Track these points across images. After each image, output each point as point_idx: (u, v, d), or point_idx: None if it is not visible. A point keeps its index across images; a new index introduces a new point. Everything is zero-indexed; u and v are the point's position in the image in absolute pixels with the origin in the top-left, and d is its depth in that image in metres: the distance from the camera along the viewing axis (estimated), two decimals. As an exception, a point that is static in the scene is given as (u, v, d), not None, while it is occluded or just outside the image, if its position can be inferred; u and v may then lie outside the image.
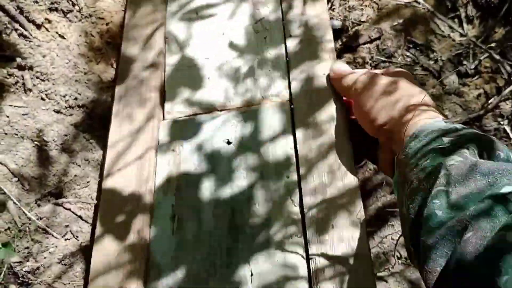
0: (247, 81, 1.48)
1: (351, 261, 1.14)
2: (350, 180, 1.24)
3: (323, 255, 1.16)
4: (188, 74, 1.51)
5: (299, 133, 1.34)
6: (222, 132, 1.38)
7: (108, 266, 1.22)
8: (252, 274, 1.18)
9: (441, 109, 1.52)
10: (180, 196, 1.30)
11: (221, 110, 1.43)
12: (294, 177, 1.30)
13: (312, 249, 1.18)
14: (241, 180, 1.30)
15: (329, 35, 1.45)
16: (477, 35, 1.63)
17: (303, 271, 1.17)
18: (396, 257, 1.35)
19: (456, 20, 1.68)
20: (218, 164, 1.33)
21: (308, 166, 1.29)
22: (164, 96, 1.49)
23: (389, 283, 1.38)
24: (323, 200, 1.23)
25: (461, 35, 1.63)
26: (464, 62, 1.61)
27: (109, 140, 1.40)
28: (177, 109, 1.45)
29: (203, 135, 1.39)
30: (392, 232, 1.39)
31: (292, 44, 1.49)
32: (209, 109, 1.44)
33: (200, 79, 1.49)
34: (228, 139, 1.37)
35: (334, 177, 1.26)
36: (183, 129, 1.40)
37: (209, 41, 1.56)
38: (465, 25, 1.67)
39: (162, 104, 1.48)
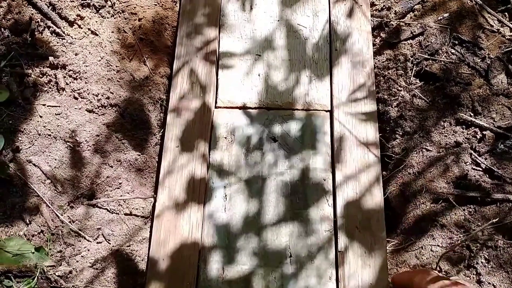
0: (294, 84, 1.52)
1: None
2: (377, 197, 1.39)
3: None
4: (241, 66, 1.56)
5: (337, 142, 1.44)
6: (270, 128, 1.47)
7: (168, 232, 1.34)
8: (291, 256, 1.32)
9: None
10: (231, 179, 1.41)
11: (269, 109, 1.50)
12: (330, 182, 1.41)
13: (341, 244, 1.32)
14: (286, 175, 1.41)
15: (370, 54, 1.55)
16: (529, 29, 1.52)
17: (331, 256, 1.32)
18: (437, 271, 1.29)
19: (506, 14, 1.56)
20: (266, 155, 1.44)
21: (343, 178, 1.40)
22: (217, 85, 1.54)
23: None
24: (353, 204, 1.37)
25: None
26: (515, 60, 1.50)
27: (167, 130, 1.47)
28: (229, 99, 1.52)
29: (255, 127, 1.47)
30: (432, 244, 1.33)
31: (335, 56, 1.54)
32: (259, 104, 1.51)
33: (252, 74, 1.54)
34: (275, 136, 1.45)
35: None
36: (237, 119, 1.49)
37: (263, 37, 1.59)
38: (516, 18, 1.55)
39: (215, 93, 1.53)
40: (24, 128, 1.40)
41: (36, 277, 1.24)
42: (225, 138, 1.45)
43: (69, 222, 1.34)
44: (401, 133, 1.50)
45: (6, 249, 1.22)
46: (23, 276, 1.24)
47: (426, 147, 1.45)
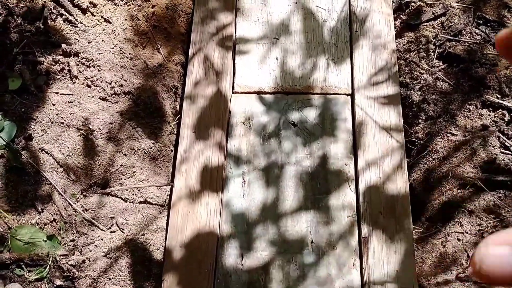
0: (313, 67, 1.47)
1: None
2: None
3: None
4: (258, 50, 1.52)
5: (358, 127, 1.39)
6: (288, 114, 1.42)
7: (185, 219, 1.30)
8: (312, 242, 1.27)
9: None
10: (249, 165, 1.37)
11: (288, 93, 1.46)
12: (352, 167, 1.35)
13: (364, 230, 1.27)
14: (305, 161, 1.36)
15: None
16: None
17: (354, 242, 1.27)
18: (468, 261, 1.23)
19: (533, -8, 1.50)
20: (284, 142, 1.39)
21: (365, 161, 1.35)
22: (234, 69, 1.50)
23: None
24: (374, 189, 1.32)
25: (539, 9, 1.45)
26: (543, 39, 1.42)
27: (182, 116, 1.43)
28: (246, 84, 1.47)
29: (272, 113, 1.43)
30: (459, 232, 1.26)
31: (355, 38, 1.49)
32: (276, 89, 1.46)
33: (269, 58, 1.50)
34: (294, 121, 1.40)
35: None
36: (253, 105, 1.45)
37: (280, 20, 1.54)
38: (543, -3, 1.48)
39: (232, 78, 1.49)
40: (37, 116, 1.37)
41: (48, 266, 1.20)
42: (243, 123, 1.40)
43: (82, 210, 1.30)
44: (424, 118, 1.44)
45: (17, 237, 1.18)
46: (35, 264, 1.21)
47: (451, 132, 1.38)
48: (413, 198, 1.38)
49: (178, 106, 1.54)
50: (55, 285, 1.19)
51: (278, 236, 1.26)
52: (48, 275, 1.20)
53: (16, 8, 1.46)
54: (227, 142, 1.39)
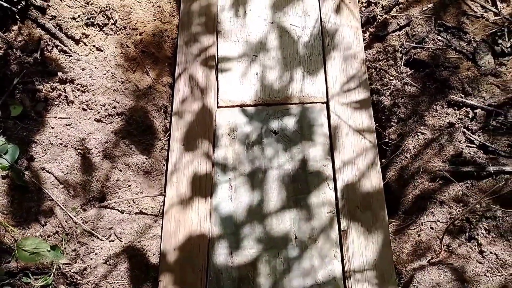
0: (290, 80, 1.61)
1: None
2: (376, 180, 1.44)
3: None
4: (238, 67, 1.65)
5: (334, 131, 1.51)
6: (269, 123, 1.55)
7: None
8: (296, 237, 1.38)
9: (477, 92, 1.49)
10: (235, 172, 1.49)
11: (268, 105, 1.59)
12: (330, 168, 1.48)
13: (343, 224, 1.37)
14: (287, 164, 1.48)
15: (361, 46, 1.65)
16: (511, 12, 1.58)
17: (334, 236, 1.38)
18: (441, 247, 1.32)
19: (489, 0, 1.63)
20: (266, 149, 1.52)
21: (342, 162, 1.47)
22: (218, 85, 1.64)
23: (430, 272, 1.35)
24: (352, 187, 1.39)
25: (495, 14, 1.58)
26: (499, 41, 1.56)
27: (172, 131, 1.57)
28: (229, 98, 1.61)
29: (254, 124, 1.56)
30: (432, 221, 1.36)
31: (328, 51, 1.63)
32: (258, 101, 1.59)
33: (249, 74, 1.63)
34: (275, 129, 1.53)
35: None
36: (237, 117, 1.58)
37: (258, 39, 1.68)
38: (498, 3, 1.61)
39: (216, 94, 1.63)
40: (37, 139, 1.48)
41: (52, 274, 1.30)
42: (228, 134, 1.52)
43: (82, 223, 1.41)
44: (396, 120, 1.55)
45: (23, 248, 1.28)
46: (40, 273, 1.31)
47: (421, 131, 1.49)
48: (390, 194, 1.48)
49: (168, 124, 1.65)
50: (59, 291, 1.29)
51: (264, 234, 1.36)
52: (53, 282, 1.30)
53: (15, 42, 1.59)
54: (214, 152, 1.51)
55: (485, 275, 1.25)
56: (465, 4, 1.63)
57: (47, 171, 1.45)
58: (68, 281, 1.32)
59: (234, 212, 1.40)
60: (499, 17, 1.59)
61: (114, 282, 1.35)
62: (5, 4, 1.58)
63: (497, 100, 1.46)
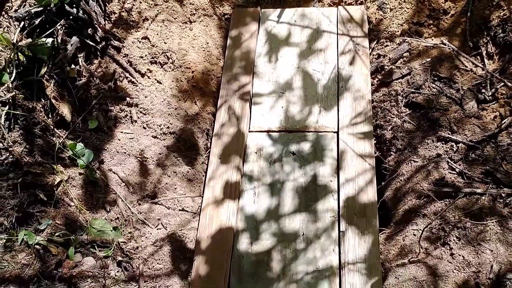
0: (309, 113, 2.00)
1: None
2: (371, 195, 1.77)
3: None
4: (268, 101, 2.06)
5: (341, 155, 1.87)
6: (289, 146, 1.92)
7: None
8: (303, 234, 1.72)
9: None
10: (259, 182, 1.86)
11: (289, 132, 1.97)
12: (335, 183, 1.82)
13: (342, 226, 1.66)
14: (300, 178, 1.85)
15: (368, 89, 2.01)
16: (496, 68, 1.92)
17: (334, 235, 1.70)
18: (419, 248, 1.63)
19: (478, 57, 1.98)
20: (285, 166, 1.89)
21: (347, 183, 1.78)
22: (251, 114, 2.04)
23: (410, 268, 1.65)
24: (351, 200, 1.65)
25: (482, 69, 1.92)
26: (483, 91, 1.89)
27: (211, 148, 1.96)
28: (259, 125, 2.01)
29: (277, 146, 1.94)
30: (415, 229, 1.67)
31: (341, 92, 2.01)
32: (281, 129, 1.98)
33: (276, 107, 2.03)
34: (293, 151, 1.90)
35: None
36: (264, 140, 1.97)
37: (285, 80, 2.10)
38: (486, 60, 1.96)
39: (249, 121, 2.03)
40: (107, 147, 1.90)
41: (113, 248, 1.68)
42: (255, 153, 1.90)
43: (138, 213, 1.79)
44: (394, 150, 1.90)
45: (93, 226, 1.67)
46: (103, 246, 1.69)
47: (414, 159, 1.83)
48: (385, 209, 1.81)
49: (208, 144, 2.05)
50: (117, 261, 1.67)
51: (278, 230, 1.71)
52: (112, 254, 1.68)
53: (95, 72, 2.05)
54: (243, 166, 1.88)
55: (453, 272, 1.56)
56: (458, 59, 1.99)
57: (113, 172, 1.86)
58: (123, 255, 1.70)
59: (255, 212, 1.76)
60: (484, 71, 1.94)
61: (159, 259, 1.72)
62: (91, 43, 2.04)
63: (477, 137, 1.79)
